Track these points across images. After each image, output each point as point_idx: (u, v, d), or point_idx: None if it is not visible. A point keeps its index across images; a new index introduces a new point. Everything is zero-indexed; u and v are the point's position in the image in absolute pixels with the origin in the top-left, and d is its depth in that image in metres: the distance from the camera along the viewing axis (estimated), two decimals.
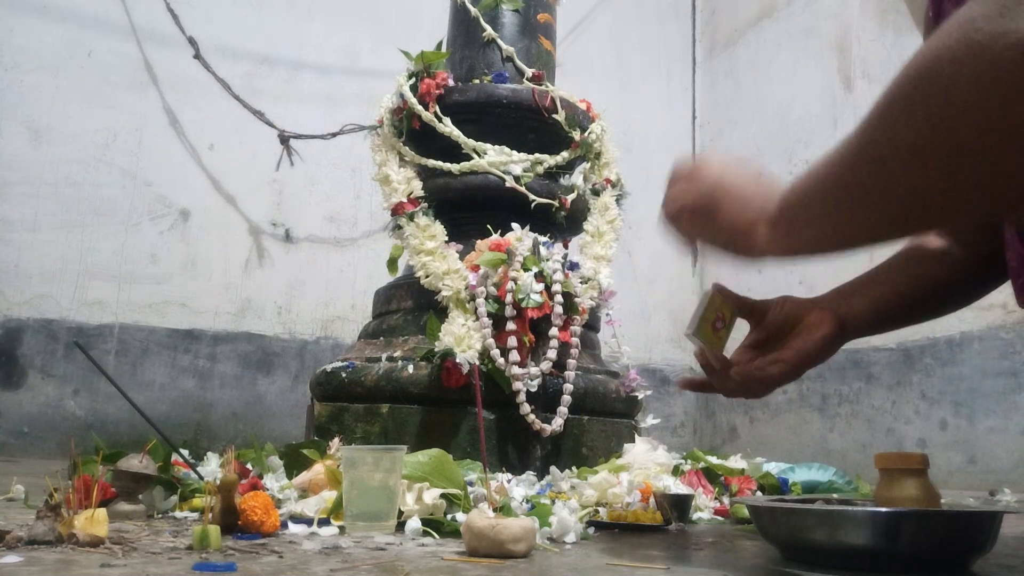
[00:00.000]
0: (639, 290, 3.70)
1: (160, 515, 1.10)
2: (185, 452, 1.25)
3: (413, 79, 1.91)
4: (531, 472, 1.47)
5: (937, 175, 0.54)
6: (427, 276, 1.72)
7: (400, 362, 1.67)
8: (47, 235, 3.05)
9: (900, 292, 0.90)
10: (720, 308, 0.89)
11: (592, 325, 1.82)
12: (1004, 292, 0.87)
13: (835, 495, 1.31)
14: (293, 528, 0.99)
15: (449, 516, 1.04)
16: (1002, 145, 0.49)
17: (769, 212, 0.72)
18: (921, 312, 0.94)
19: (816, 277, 3.13)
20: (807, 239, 0.69)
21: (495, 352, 1.60)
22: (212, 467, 1.36)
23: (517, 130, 1.92)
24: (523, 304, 1.62)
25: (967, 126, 0.50)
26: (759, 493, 1.47)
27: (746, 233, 0.74)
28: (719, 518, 1.30)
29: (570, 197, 1.91)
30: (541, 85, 1.95)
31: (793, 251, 0.72)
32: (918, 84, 0.53)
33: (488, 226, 1.78)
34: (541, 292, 1.64)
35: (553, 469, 1.40)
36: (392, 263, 1.93)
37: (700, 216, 0.79)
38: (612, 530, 1.10)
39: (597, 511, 1.17)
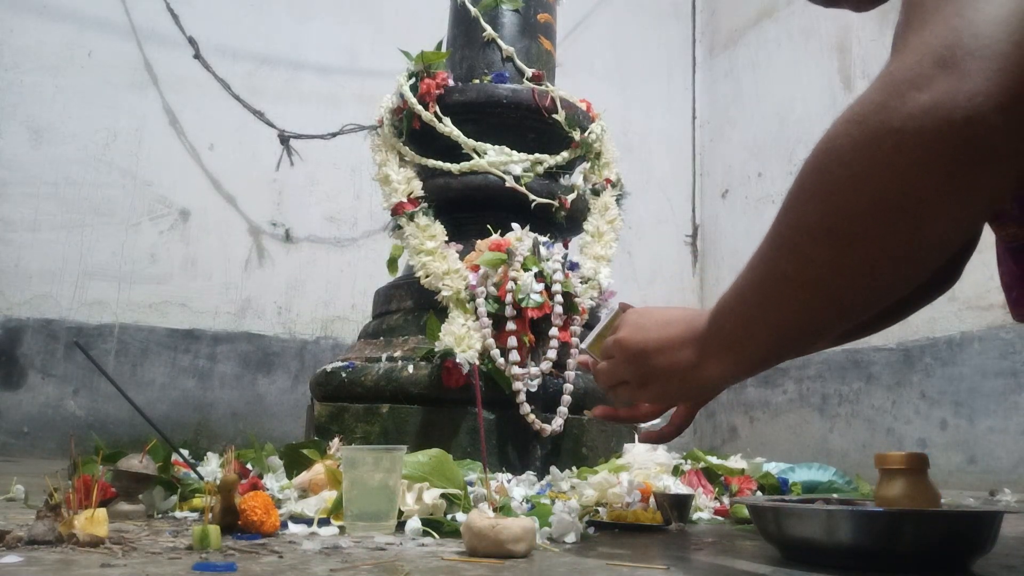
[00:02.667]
0: (639, 290, 3.70)
1: (160, 515, 1.10)
2: (185, 452, 1.25)
3: (413, 79, 1.91)
4: (531, 472, 1.47)
5: (848, 253, 0.54)
6: (427, 276, 1.72)
7: (400, 362, 1.67)
8: (47, 235, 3.05)
9: None
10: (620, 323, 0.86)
11: (592, 325, 1.82)
12: None
13: (835, 495, 1.31)
14: (293, 528, 0.99)
15: (449, 516, 1.04)
16: (900, 217, 0.50)
17: (699, 329, 0.70)
18: (844, 333, 0.90)
19: None
20: (753, 347, 0.66)
21: (495, 352, 1.60)
22: (212, 467, 1.36)
23: (517, 130, 1.92)
24: (523, 304, 1.62)
25: (866, 197, 0.51)
26: (759, 493, 1.47)
27: (689, 366, 0.71)
28: (719, 518, 1.30)
29: (570, 197, 1.91)
30: (541, 85, 1.95)
31: (745, 364, 0.68)
32: (818, 165, 0.54)
33: (488, 226, 1.78)
34: (541, 292, 1.64)
35: (553, 469, 1.40)
36: (392, 263, 1.93)
37: (638, 380, 0.76)
38: (612, 530, 1.10)
39: (597, 511, 1.17)
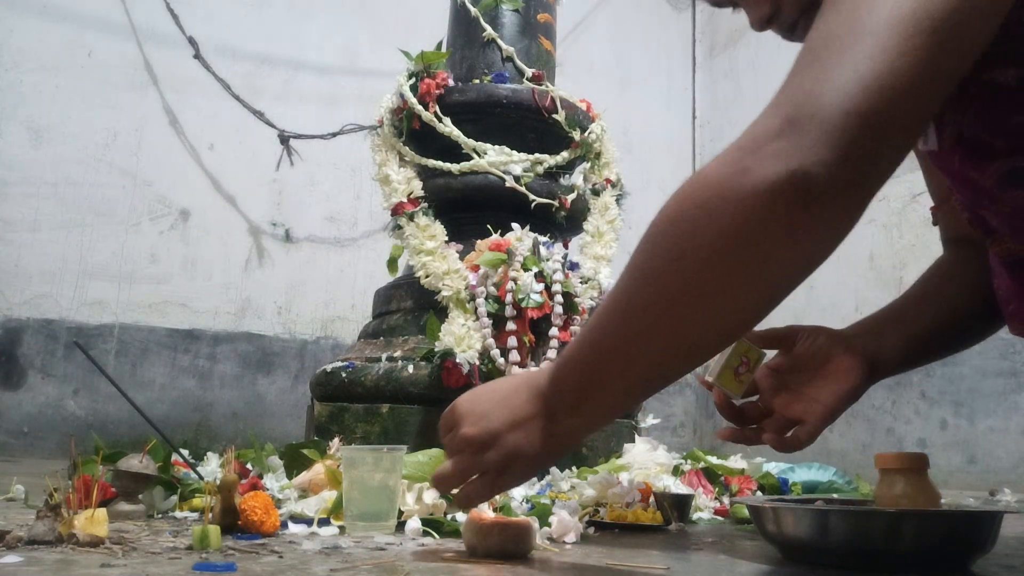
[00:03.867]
0: None
1: (160, 515, 1.10)
2: (185, 452, 1.25)
3: (413, 79, 1.91)
4: None
5: (697, 283, 0.59)
6: (427, 276, 1.72)
7: (400, 362, 1.67)
8: (47, 235, 3.05)
9: (930, 327, 0.88)
10: (746, 353, 0.85)
11: None
12: None
13: (835, 495, 1.31)
14: (293, 528, 0.99)
15: (449, 516, 1.04)
16: (741, 251, 0.57)
17: (543, 389, 0.71)
18: (953, 345, 0.92)
19: (815, 277, 3.13)
20: (604, 395, 0.68)
21: (495, 352, 1.60)
22: (212, 467, 1.36)
23: (517, 130, 1.92)
24: (523, 304, 1.62)
25: (714, 230, 0.58)
26: (759, 493, 1.47)
27: (545, 433, 0.71)
28: (719, 518, 1.30)
29: (570, 197, 1.91)
30: (541, 85, 1.95)
31: (598, 412, 0.70)
32: (677, 199, 0.61)
33: (488, 226, 1.78)
34: (541, 292, 1.64)
35: (553, 469, 1.40)
36: (392, 263, 1.93)
37: (497, 468, 0.73)
38: (612, 530, 1.10)
39: (597, 511, 1.17)
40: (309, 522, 1.02)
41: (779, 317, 0.90)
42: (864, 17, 0.56)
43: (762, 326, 0.87)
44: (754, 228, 0.56)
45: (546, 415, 0.71)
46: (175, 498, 1.14)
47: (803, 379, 0.85)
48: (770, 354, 0.89)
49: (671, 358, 0.65)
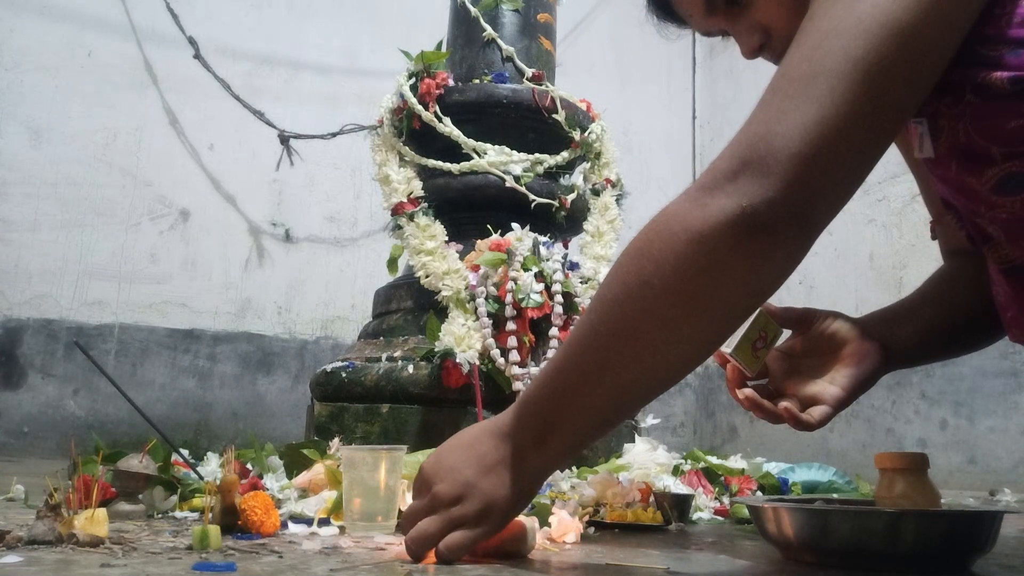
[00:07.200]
0: None
1: (160, 515, 1.10)
2: (185, 452, 1.25)
3: (413, 79, 1.91)
4: None
5: (668, 305, 0.64)
6: (427, 276, 1.73)
7: (400, 362, 1.67)
8: (47, 235, 3.05)
9: (935, 326, 0.89)
10: (764, 327, 0.83)
11: None
12: None
13: (835, 495, 1.31)
14: (293, 528, 0.99)
15: None
16: (703, 275, 0.63)
17: (507, 428, 0.73)
18: (956, 347, 0.93)
19: (815, 277, 3.13)
20: (573, 425, 0.71)
21: (495, 352, 1.60)
22: (212, 467, 1.36)
23: (517, 130, 1.92)
24: (523, 304, 1.62)
25: (674, 258, 0.63)
26: (759, 493, 1.47)
27: (516, 471, 0.72)
28: (719, 518, 1.30)
29: (570, 197, 1.91)
30: (541, 85, 1.95)
31: (565, 443, 0.71)
32: (650, 228, 0.66)
33: (488, 226, 1.78)
34: (541, 292, 1.64)
35: None
36: (392, 263, 1.93)
37: (475, 518, 0.72)
38: (612, 530, 1.10)
39: (597, 511, 1.17)
40: (309, 522, 1.02)
41: None
42: (820, 58, 0.61)
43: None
44: (710, 257, 0.62)
45: (514, 455, 0.72)
46: (175, 498, 1.14)
47: (818, 363, 0.85)
48: (785, 334, 0.88)
49: (635, 387, 0.68)
